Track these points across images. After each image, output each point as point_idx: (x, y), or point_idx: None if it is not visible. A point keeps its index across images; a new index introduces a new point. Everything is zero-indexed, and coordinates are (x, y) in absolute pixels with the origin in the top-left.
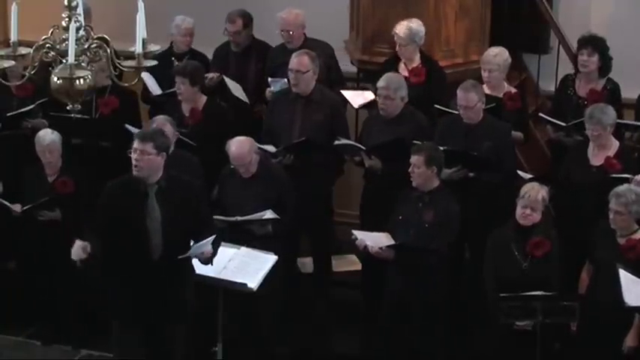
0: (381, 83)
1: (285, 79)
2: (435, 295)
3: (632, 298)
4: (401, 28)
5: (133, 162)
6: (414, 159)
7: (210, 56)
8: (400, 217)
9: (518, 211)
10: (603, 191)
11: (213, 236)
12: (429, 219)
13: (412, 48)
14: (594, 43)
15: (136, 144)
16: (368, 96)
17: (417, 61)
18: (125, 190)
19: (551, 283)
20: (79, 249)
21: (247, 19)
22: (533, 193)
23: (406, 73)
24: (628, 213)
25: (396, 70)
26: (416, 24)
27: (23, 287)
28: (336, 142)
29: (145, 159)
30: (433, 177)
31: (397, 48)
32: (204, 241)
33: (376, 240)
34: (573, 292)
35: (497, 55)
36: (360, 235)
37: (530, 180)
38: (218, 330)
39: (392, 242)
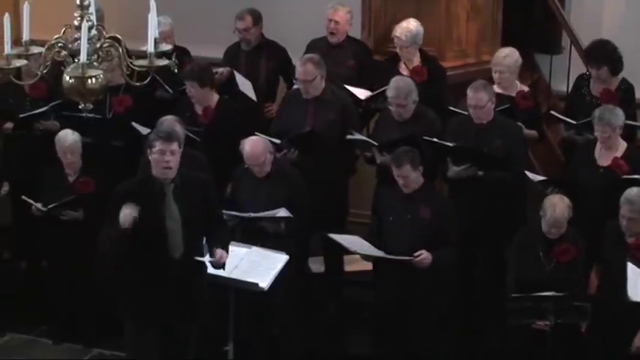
0: (390, 93)
1: None
2: (444, 294)
3: (636, 294)
4: (401, 31)
5: (163, 164)
6: (403, 171)
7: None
8: (391, 219)
9: (544, 228)
10: (611, 192)
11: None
12: (426, 215)
13: (412, 49)
14: (599, 56)
15: (162, 145)
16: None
17: (416, 60)
18: (142, 190)
19: (574, 287)
20: (129, 215)
21: (256, 17)
22: (557, 215)
23: (406, 73)
24: None
25: (397, 70)
26: (415, 25)
27: (38, 286)
28: (349, 137)
29: (175, 159)
30: (420, 176)
31: (398, 50)
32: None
33: (352, 242)
34: (584, 292)
35: (508, 56)
36: (336, 238)
37: (540, 182)
38: (229, 329)
39: (365, 244)
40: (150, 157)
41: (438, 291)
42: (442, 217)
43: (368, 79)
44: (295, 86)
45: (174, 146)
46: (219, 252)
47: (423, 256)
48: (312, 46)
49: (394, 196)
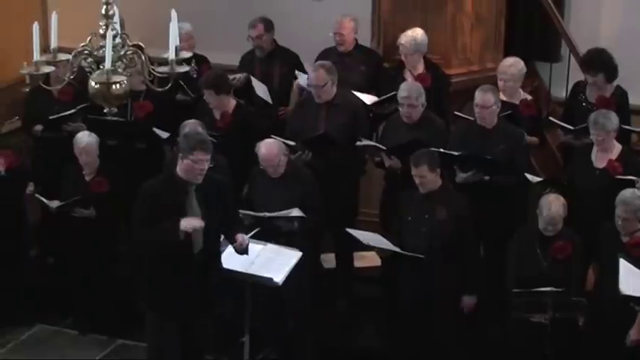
0: (403, 93)
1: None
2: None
3: (628, 288)
4: (406, 39)
5: (199, 171)
6: (419, 170)
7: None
8: (410, 219)
9: (541, 225)
10: (607, 193)
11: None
12: (442, 216)
13: (417, 57)
14: (596, 64)
15: (202, 155)
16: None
17: (420, 68)
18: (167, 188)
19: (569, 284)
20: (194, 222)
21: (268, 24)
22: (553, 213)
23: (411, 79)
24: (635, 219)
25: (402, 77)
26: (420, 34)
27: (61, 280)
28: (359, 143)
29: (207, 165)
30: (437, 178)
31: (402, 57)
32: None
33: (370, 238)
34: (580, 288)
35: (512, 65)
36: (354, 233)
37: (539, 184)
38: (246, 322)
39: (383, 240)
40: (183, 161)
41: (454, 287)
42: (458, 219)
43: (378, 85)
44: (298, 80)
45: (210, 155)
46: (239, 237)
47: (467, 303)
48: (324, 55)
49: (413, 196)
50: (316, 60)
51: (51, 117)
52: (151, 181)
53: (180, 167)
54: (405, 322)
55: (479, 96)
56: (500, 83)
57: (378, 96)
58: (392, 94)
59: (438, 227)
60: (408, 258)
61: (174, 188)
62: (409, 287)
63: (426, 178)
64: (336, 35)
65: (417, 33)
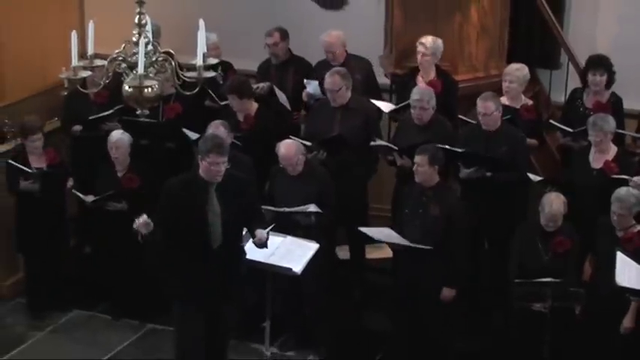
0: (415, 96)
1: (317, 81)
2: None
3: (623, 279)
4: (426, 40)
5: (215, 172)
6: (419, 159)
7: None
8: (407, 211)
9: (543, 222)
10: (603, 191)
11: (271, 226)
12: (435, 213)
13: (432, 60)
14: (604, 64)
15: (216, 158)
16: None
17: (432, 74)
18: (189, 186)
19: (568, 275)
20: (143, 223)
21: (283, 33)
22: (554, 210)
23: (423, 85)
24: (630, 214)
25: (414, 83)
26: (440, 40)
27: (97, 269)
28: (372, 143)
29: (224, 167)
30: (435, 174)
31: (419, 57)
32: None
33: (381, 233)
34: (578, 279)
35: (519, 69)
36: (366, 231)
37: (540, 182)
38: (267, 309)
39: (394, 234)
40: (201, 163)
41: (448, 276)
42: (450, 217)
43: (373, 91)
44: (307, 88)
45: (226, 157)
46: (259, 232)
47: (446, 294)
48: (320, 68)
49: (411, 191)
50: (313, 73)
51: (90, 117)
52: (172, 180)
53: (201, 168)
54: (403, 311)
55: (480, 104)
56: (504, 84)
57: (377, 98)
58: (407, 102)
59: (430, 223)
60: (412, 249)
61: (195, 187)
62: (404, 278)
63: (424, 168)
64: (328, 53)
65: (437, 38)
